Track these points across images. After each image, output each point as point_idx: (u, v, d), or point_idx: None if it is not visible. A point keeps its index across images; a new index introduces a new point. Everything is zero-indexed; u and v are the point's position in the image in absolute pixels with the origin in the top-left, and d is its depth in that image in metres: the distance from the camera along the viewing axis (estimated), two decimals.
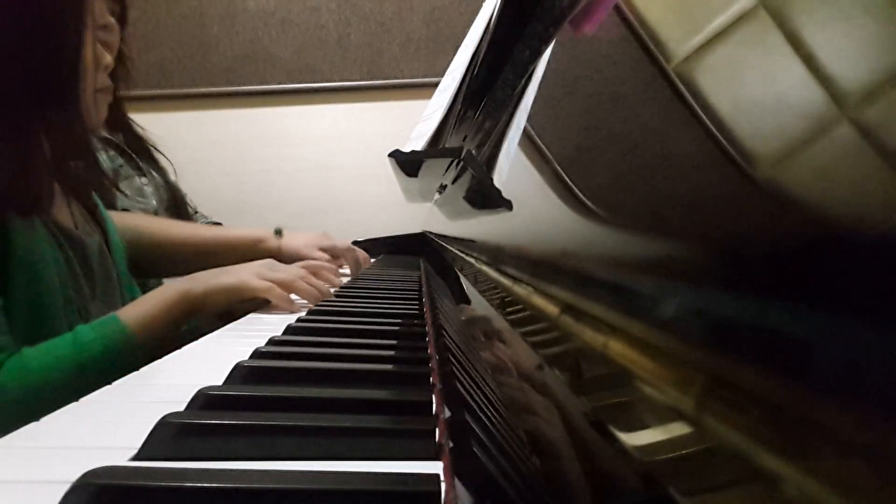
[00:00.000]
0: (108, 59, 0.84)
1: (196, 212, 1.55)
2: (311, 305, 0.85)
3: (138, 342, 0.74)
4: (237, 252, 1.18)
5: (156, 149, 1.44)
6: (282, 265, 0.91)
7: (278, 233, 1.27)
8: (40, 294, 0.72)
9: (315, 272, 0.93)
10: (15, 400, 0.65)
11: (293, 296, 0.86)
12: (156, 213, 1.38)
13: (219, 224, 1.52)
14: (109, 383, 0.71)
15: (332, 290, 0.93)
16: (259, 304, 0.93)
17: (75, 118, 0.76)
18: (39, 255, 0.73)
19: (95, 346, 0.70)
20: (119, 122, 1.38)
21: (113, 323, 0.74)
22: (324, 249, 1.28)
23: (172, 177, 1.49)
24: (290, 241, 1.26)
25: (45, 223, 0.76)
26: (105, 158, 1.31)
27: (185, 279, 0.83)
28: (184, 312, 0.80)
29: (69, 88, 0.75)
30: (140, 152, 1.41)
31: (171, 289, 0.81)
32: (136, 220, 1.18)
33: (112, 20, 1.15)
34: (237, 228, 1.29)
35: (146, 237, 1.14)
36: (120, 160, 1.36)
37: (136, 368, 0.77)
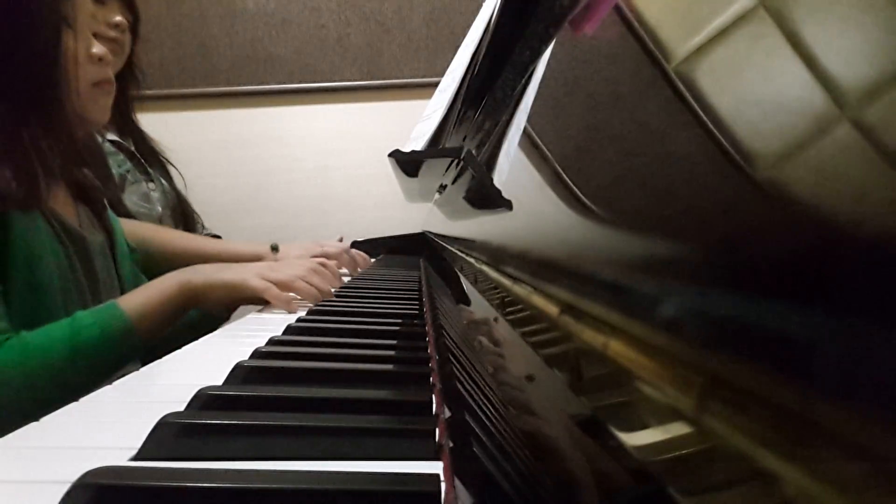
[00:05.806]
0: (103, 50, 0.83)
1: (198, 222, 1.56)
2: (310, 305, 0.85)
3: (135, 330, 0.74)
4: None
5: (166, 158, 1.46)
6: (282, 266, 0.91)
7: (275, 248, 1.36)
8: (39, 284, 0.73)
9: (317, 272, 0.93)
10: (13, 380, 0.65)
11: (293, 295, 0.86)
12: (160, 220, 1.39)
13: (218, 237, 1.54)
14: (104, 370, 0.71)
15: (332, 290, 0.93)
16: (261, 304, 0.93)
17: (59, 118, 0.76)
18: (39, 246, 0.73)
19: (93, 331, 0.71)
20: (128, 126, 1.39)
21: (111, 309, 0.74)
22: (315, 257, 1.32)
23: (180, 184, 1.50)
24: (286, 255, 1.33)
25: (45, 217, 0.76)
26: (112, 163, 1.32)
27: (185, 270, 0.84)
28: (182, 303, 0.81)
29: (48, 89, 0.75)
30: (149, 158, 1.42)
31: (171, 279, 0.81)
32: (141, 228, 1.20)
33: (123, 21, 1.16)
34: (239, 243, 1.35)
35: (153, 246, 1.17)
36: (128, 165, 1.37)
37: (132, 357, 0.76)
